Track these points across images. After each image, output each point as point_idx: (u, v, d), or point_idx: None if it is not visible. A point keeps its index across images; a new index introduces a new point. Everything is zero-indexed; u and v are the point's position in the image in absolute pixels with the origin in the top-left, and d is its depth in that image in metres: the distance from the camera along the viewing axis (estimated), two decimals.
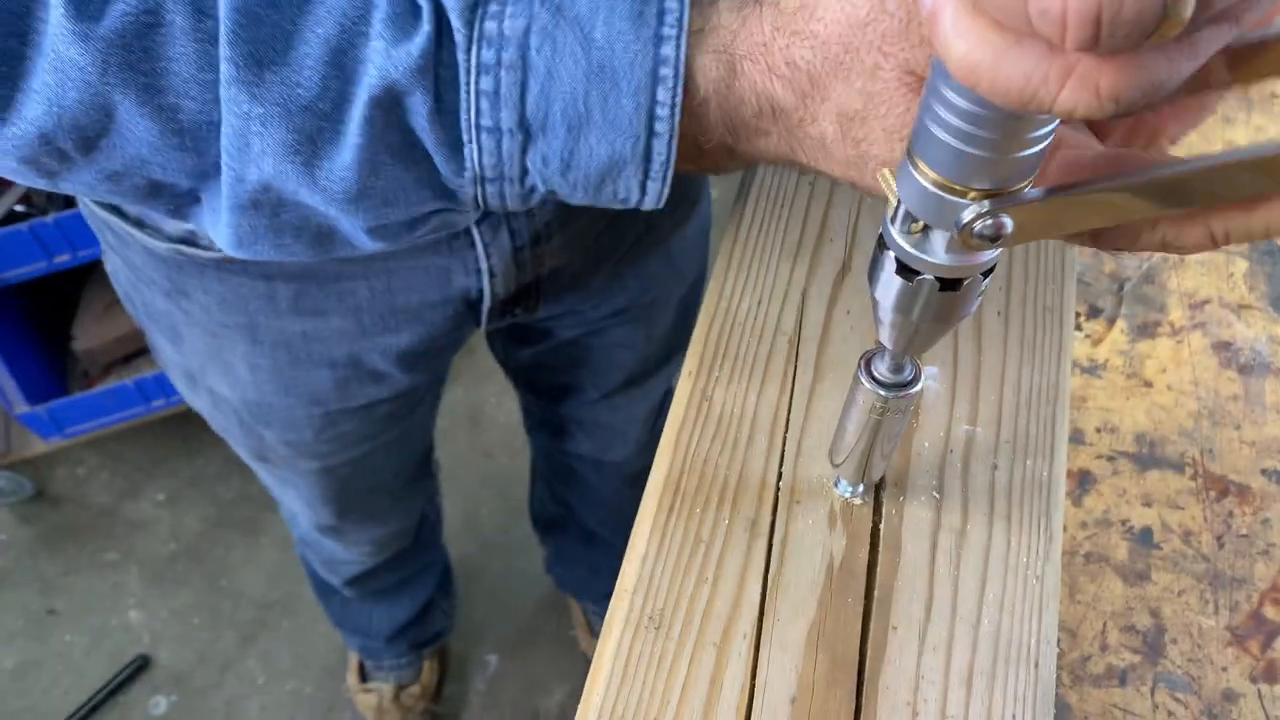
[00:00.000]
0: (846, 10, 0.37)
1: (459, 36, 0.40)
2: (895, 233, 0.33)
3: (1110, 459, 0.70)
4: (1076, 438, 0.71)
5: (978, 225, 0.30)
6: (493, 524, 1.74)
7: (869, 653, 0.44)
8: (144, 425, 1.75)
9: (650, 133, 0.41)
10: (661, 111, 0.40)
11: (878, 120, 0.38)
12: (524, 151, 0.42)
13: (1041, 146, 0.29)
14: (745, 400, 0.52)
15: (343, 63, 0.39)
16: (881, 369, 0.41)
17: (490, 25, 0.40)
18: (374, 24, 0.39)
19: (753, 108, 0.41)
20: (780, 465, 0.50)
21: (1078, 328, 0.76)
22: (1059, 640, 0.63)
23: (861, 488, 0.48)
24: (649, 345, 1.01)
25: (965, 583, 0.46)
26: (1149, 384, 0.73)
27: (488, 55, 0.40)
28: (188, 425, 1.83)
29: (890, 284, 0.34)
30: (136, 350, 1.71)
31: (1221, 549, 0.67)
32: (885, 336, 0.38)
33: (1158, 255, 0.79)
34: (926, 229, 0.33)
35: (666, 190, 0.43)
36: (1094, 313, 0.76)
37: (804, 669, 0.44)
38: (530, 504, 1.53)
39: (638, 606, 0.45)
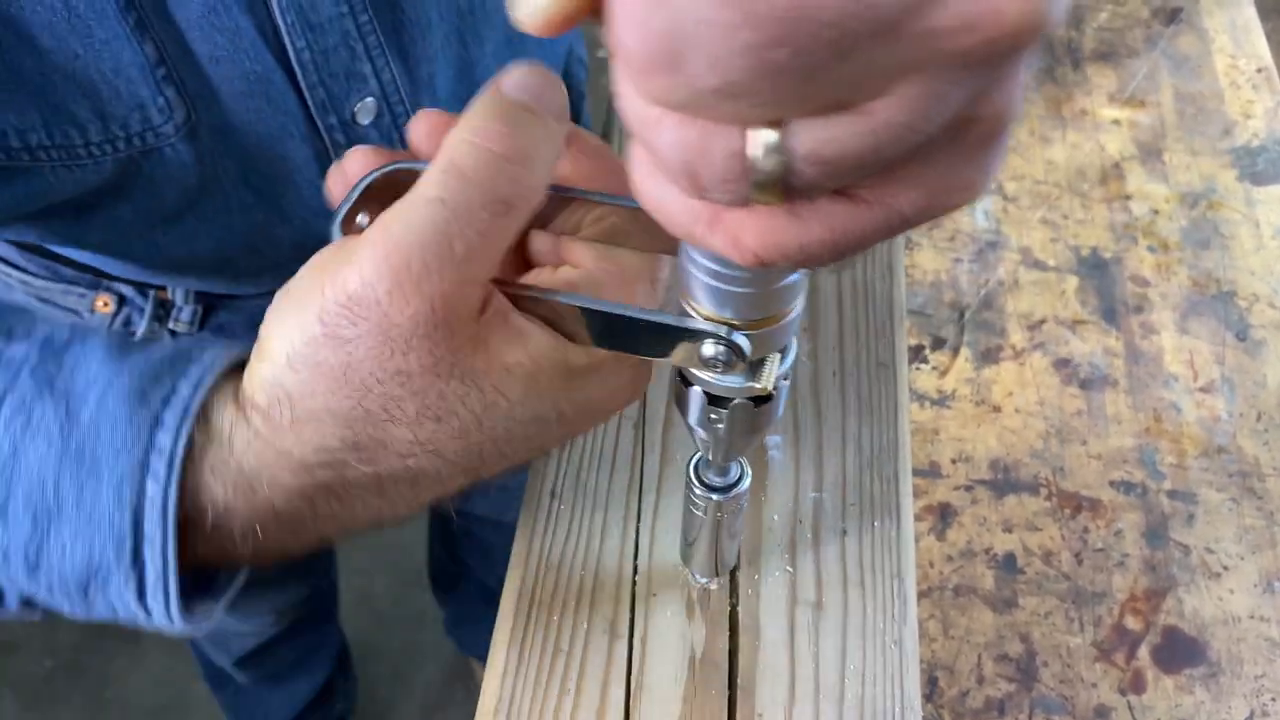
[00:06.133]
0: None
1: None
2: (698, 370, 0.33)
3: (968, 489, 0.72)
4: (934, 471, 0.72)
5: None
6: (388, 598, 1.70)
7: None
8: None
9: (138, 535, 0.33)
10: (151, 511, 0.33)
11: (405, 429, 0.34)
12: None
13: (793, 279, 0.29)
14: (595, 493, 0.51)
15: None
16: (709, 474, 0.41)
17: None
18: None
19: (299, 497, 0.35)
20: (635, 558, 0.49)
21: (924, 360, 0.77)
22: (938, 679, 0.64)
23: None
24: None
25: (825, 657, 0.46)
26: (997, 409, 0.75)
27: None
28: None
29: (702, 413, 0.34)
30: None
31: (1080, 565, 0.69)
32: (704, 450, 0.38)
33: (994, 281, 0.82)
34: None
35: (174, 609, 0.35)
36: (938, 344, 0.78)
37: None
38: (429, 565, 1.50)
39: None
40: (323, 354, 0.32)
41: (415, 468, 0.35)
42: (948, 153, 0.22)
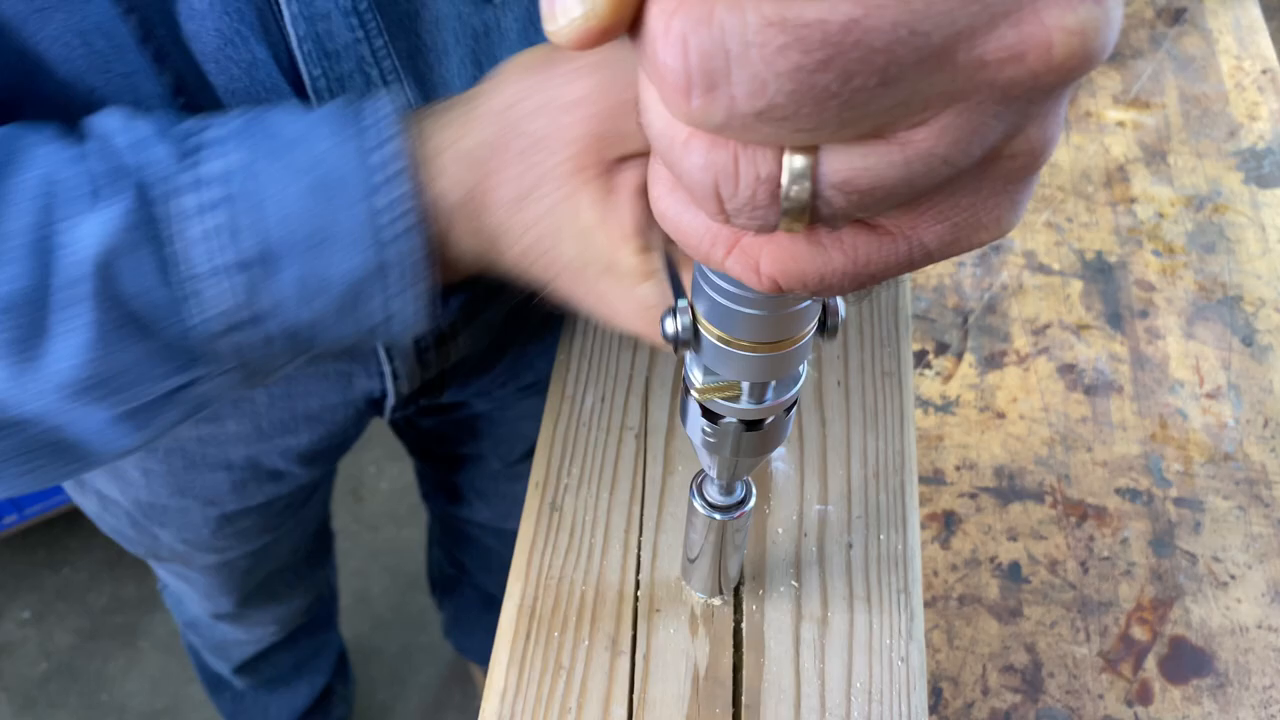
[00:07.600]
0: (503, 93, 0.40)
1: (163, 189, 0.38)
2: (696, 379, 0.32)
3: (972, 496, 0.71)
4: (938, 478, 0.71)
5: None
6: (385, 600, 1.69)
7: None
8: None
9: (381, 242, 0.40)
10: (386, 219, 0.39)
11: (543, 202, 0.40)
12: (259, 288, 0.40)
13: (805, 304, 0.28)
14: (597, 505, 0.51)
15: (47, 247, 0.37)
16: (713, 492, 0.40)
17: (194, 172, 0.39)
18: (73, 202, 0.38)
19: (457, 202, 0.41)
20: (637, 573, 0.48)
21: (928, 365, 0.77)
22: (942, 690, 0.63)
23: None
24: None
25: (831, 674, 0.45)
26: (1002, 415, 0.74)
27: (196, 199, 0.38)
28: (49, 533, 1.73)
29: (698, 426, 0.34)
30: None
31: (1086, 574, 0.68)
32: (708, 468, 0.38)
33: (998, 284, 0.81)
34: None
35: (419, 306, 0.42)
36: (941, 349, 0.78)
37: None
38: (427, 568, 1.50)
39: None
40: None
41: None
42: (978, 187, 0.22)
